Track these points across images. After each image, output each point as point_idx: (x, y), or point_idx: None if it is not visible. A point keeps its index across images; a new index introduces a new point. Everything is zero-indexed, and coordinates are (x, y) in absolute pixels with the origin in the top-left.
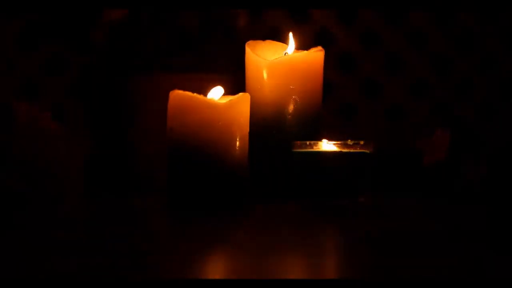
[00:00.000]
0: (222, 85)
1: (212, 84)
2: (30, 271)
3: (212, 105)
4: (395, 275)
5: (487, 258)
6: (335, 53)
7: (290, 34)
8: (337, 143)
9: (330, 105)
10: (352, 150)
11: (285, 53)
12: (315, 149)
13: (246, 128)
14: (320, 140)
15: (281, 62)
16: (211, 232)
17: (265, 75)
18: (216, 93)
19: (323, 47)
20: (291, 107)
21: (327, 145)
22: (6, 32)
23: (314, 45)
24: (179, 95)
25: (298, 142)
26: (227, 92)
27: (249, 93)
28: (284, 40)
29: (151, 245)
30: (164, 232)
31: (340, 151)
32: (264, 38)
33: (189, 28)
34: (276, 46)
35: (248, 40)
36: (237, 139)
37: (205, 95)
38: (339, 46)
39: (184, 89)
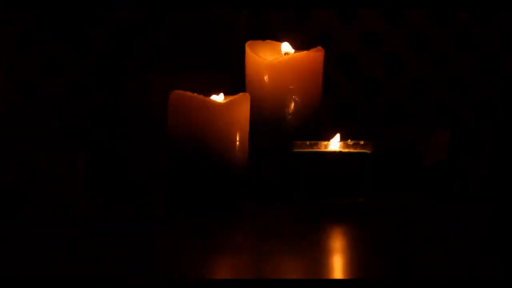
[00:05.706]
0: (222, 85)
1: (212, 84)
2: (30, 271)
3: (212, 105)
4: (395, 274)
5: (488, 257)
6: (335, 53)
7: (285, 44)
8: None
9: (330, 105)
10: (352, 150)
11: (285, 53)
12: (315, 149)
13: (246, 128)
14: (320, 140)
15: (281, 62)
16: (211, 232)
17: (265, 75)
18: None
19: (323, 47)
20: (291, 107)
21: (327, 145)
22: (6, 32)
23: (314, 45)
24: (179, 95)
25: (298, 142)
26: (227, 92)
27: (249, 93)
28: (284, 40)
29: (151, 245)
30: (164, 232)
31: (340, 151)
32: (264, 38)
33: (189, 28)
34: (276, 46)
35: (248, 40)
36: (237, 139)
37: (205, 95)
38: (339, 46)
39: (184, 89)
